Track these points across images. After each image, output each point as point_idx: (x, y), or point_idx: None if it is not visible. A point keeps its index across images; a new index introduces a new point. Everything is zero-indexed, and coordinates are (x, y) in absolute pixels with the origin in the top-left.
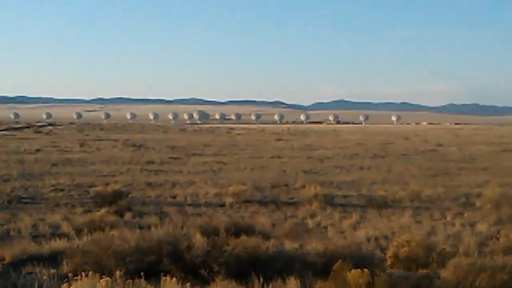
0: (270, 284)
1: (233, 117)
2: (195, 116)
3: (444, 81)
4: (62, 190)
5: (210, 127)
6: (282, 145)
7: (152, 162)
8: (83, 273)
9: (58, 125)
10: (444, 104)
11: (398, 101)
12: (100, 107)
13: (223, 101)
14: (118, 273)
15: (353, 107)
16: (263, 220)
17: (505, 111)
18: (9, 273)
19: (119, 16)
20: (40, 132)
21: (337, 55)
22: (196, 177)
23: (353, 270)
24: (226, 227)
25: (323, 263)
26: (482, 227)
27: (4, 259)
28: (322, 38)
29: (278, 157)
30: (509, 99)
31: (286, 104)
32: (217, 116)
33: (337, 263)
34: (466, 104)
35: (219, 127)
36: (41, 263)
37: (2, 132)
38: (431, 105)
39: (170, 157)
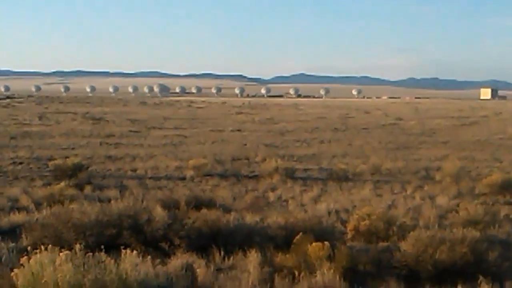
0: (231, 257)
1: (193, 90)
2: (156, 89)
3: (405, 55)
4: (21, 163)
5: (171, 100)
6: (243, 118)
7: (112, 135)
8: (42, 247)
9: (17, 98)
10: (404, 78)
11: (358, 75)
12: (59, 80)
13: (183, 74)
14: (78, 246)
15: (314, 81)
16: (224, 193)
17: (466, 85)
18: None
19: None
20: None
21: (298, 28)
22: (156, 151)
23: (314, 243)
24: (186, 200)
25: (284, 236)
26: (442, 200)
27: None
28: (283, 12)
29: (239, 130)
30: (470, 74)
31: (247, 78)
32: (178, 90)
33: (298, 236)
34: (426, 78)
35: (179, 101)
36: (0, 237)
37: None
38: (392, 79)
39: (130, 131)
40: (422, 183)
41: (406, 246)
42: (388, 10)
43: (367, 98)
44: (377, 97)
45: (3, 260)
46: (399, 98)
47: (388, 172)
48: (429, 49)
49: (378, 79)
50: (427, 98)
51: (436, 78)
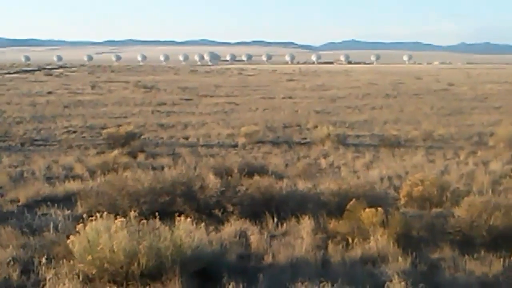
0: (284, 224)
1: (244, 58)
2: (206, 57)
3: (456, 20)
4: (74, 132)
5: (221, 68)
6: (294, 85)
7: (164, 104)
8: (97, 214)
9: (69, 68)
10: (455, 43)
11: (409, 41)
12: (111, 49)
13: (233, 42)
14: (132, 213)
15: (364, 47)
16: (276, 160)
17: None
18: (24, 214)
19: None
20: (51, 74)
21: None
22: (208, 118)
23: (367, 209)
24: (239, 167)
25: (337, 203)
26: (495, 165)
27: (19, 201)
28: None
29: (290, 97)
30: None
31: (297, 45)
32: (228, 58)
33: (351, 202)
34: (478, 44)
35: (230, 69)
36: (56, 205)
37: (14, 75)
38: (443, 45)
39: (181, 99)
40: (475, 149)
41: (460, 211)
42: None
43: (418, 64)
44: (428, 63)
45: (59, 227)
46: (450, 63)
47: (440, 138)
48: (481, 14)
49: (429, 44)
50: (479, 63)
51: (488, 43)
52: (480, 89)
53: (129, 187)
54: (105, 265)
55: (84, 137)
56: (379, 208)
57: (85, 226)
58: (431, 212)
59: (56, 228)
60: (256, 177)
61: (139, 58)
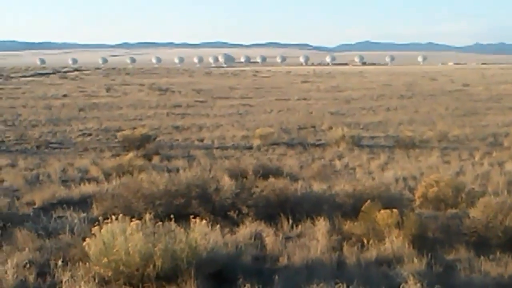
0: (299, 225)
1: (258, 60)
2: (220, 59)
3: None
4: (89, 134)
5: (236, 70)
6: (308, 87)
7: (179, 106)
8: (113, 216)
9: (84, 70)
10: (470, 44)
11: (423, 42)
12: (125, 52)
13: (248, 44)
14: (147, 216)
15: (379, 48)
16: (290, 162)
17: None
18: (40, 217)
19: None
20: (66, 77)
21: None
22: (222, 120)
23: (382, 211)
24: (254, 169)
25: (352, 204)
26: (510, 166)
27: (35, 203)
28: None
29: (305, 99)
30: None
31: (312, 46)
32: (242, 59)
33: (366, 204)
34: (492, 44)
35: (244, 70)
36: (71, 207)
37: (29, 78)
38: (457, 45)
39: (196, 101)
40: (490, 150)
41: (475, 212)
42: None
43: (433, 64)
44: (442, 64)
45: (75, 230)
46: (465, 64)
47: (455, 138)
48: (495, 14)
49: (443, 45)
50: (493, 63)
51: (503, 43)
52: (494, 90)
53: (144, 190)
54: (121, 267)
55: (99, 139)
56: (394, 210)
57: (100, 228)
58: (446, 213)
59: (71, 230)
60: (271, 179)
61: (154, 61)
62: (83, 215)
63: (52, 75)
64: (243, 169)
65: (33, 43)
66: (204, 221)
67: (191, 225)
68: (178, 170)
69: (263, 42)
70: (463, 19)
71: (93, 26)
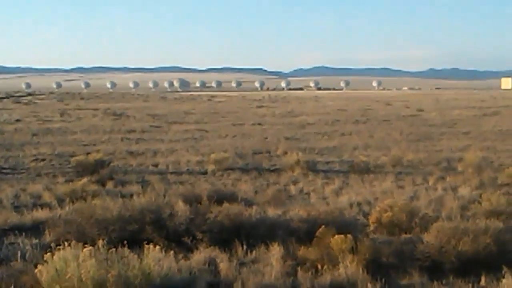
0: (254, 251)
1: (213, 84)
2: (176, 84)
3: (424, 47)
4: (43, 160)
5: (191, 95)
6: (263, 112)
7: (133, 131)
8: (66, 243)
9: (38, 95)
10: (424, 69)
11: (378, 67)
12: (80, 76)
13: (203, 68)
14: (101, 242)
15: (334, 73)
16: (245, 187)
17: (486, 75)
18: None
19: None
20: (19, 102)
21: (317, 21)
22: (177, 145)
23: (336, 236)
24: (208, 194)
25: (306, 229)
26: (464, 191)
27: None
28: (301, 5)
29: (260, 124)
30: (490, 64)
31: (267, 71)
32: (198, 84)
33: (320, 229)
34: (446, 69)
35: (200, 95)
36: (24, 233)
37: None
38: (412, 70)
39: (151, 126)
40: (444, 174)
41: (429, 237)
42: (407, 1)
43: (387, 89)
44: (397, 89)
45: (27, 256)
46: (419, 89)
47: (409, 163)
48: (449, 40)
49: (398, 70)
50: (447, 88)
51: (456, 69)
52: (448, 115)
53: (98, 215)
54: None
55: (52, 165)
56: (348, 235)
57: (53, 255)
58: (400, 238)
59: (23, 257)
60: (226, 204)
61: (109, 85)
62: (35, 241)
63: (5, 100)
64: (197, 194)
65: None
66: (157, 247)
67: (145, 251)
68: (132, 196)
69: (219, 66)
70: (417, 45)
71: (47, 51)
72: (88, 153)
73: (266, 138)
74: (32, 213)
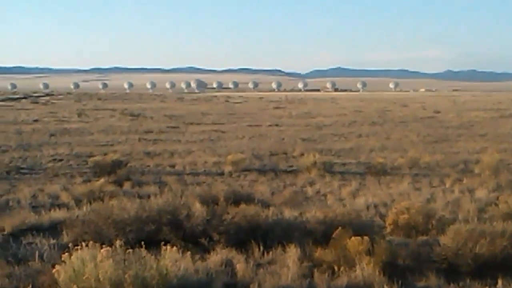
0: (270, 252)
1: (230, 85)
2: (193, 85)
3: (442, 48)
4: (60, 160)
5: (208, 95)
6: (280, 113)
7: (150, 132)
8: (83, 243)
9: (56, 95)
10: (442, 70)
11: (396, 68)
12: (97, 77)
13: (220, 69)
14: (118, 242)
15: (351, 74)
16: (262, 188)
17: (504, 77)
18: (9, 243)
19: None
20: (37, 102)
21: (335, 22)
22: (194, 146)
23: (353, 238)
24: (225, 195)
25: (323, 231)
26: (481, 193)
27: (4, 230)
28: (319, 5)
29: (277, 125)
30: (508, 65)
31: (284, 72)
32: (215, 85)
33: (337, 231)
34: (464, 71)
35: (216, 96)
36: (41, 234)
37: (0, 103)
38: (429, 72)
39: (168, 126)
40: (461, 176)
41: (445, 240)
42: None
43: (405, 91)
44: (414, 90)
45: (44, 256)
46: (436, 90)
47: (426, 165)
48: (466, 42)
49: (415, 72)
50: (465, 90)
51: (474, 70)
52: (466, 116)
53: (115, 216)
54: None
55: (70, 165)
56: (365, 237)
57: (70, 255)
58: (417, 240)
59: (41, 257)
60: (242, 206)
61: (126, 86)
62: (53, 241)
63: (23, 100)
64: (214, 195)
65: (4, 68)
66: (174, 247)
67: (162, 252)
68: (149, 196)
69: (236, 68)
70: (435, 46)
71: (66, 51)
72: (105, 154)
73: (283, 139)
74: (50, 213)
